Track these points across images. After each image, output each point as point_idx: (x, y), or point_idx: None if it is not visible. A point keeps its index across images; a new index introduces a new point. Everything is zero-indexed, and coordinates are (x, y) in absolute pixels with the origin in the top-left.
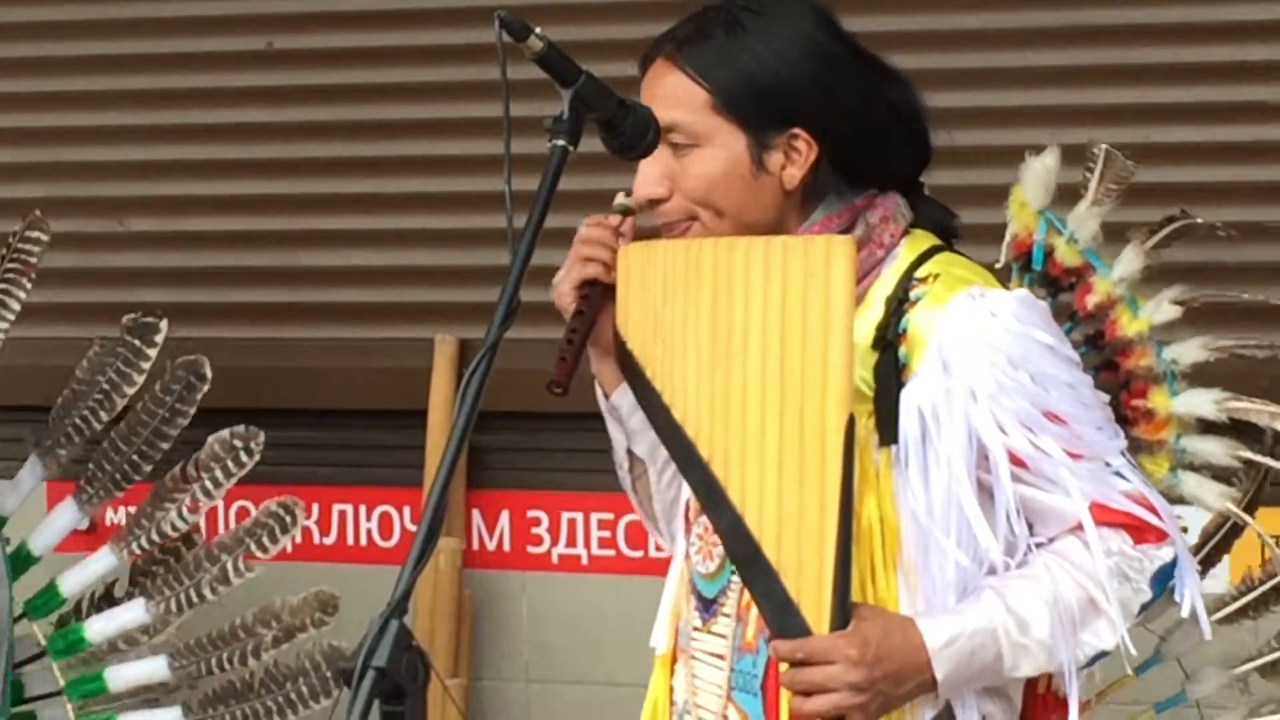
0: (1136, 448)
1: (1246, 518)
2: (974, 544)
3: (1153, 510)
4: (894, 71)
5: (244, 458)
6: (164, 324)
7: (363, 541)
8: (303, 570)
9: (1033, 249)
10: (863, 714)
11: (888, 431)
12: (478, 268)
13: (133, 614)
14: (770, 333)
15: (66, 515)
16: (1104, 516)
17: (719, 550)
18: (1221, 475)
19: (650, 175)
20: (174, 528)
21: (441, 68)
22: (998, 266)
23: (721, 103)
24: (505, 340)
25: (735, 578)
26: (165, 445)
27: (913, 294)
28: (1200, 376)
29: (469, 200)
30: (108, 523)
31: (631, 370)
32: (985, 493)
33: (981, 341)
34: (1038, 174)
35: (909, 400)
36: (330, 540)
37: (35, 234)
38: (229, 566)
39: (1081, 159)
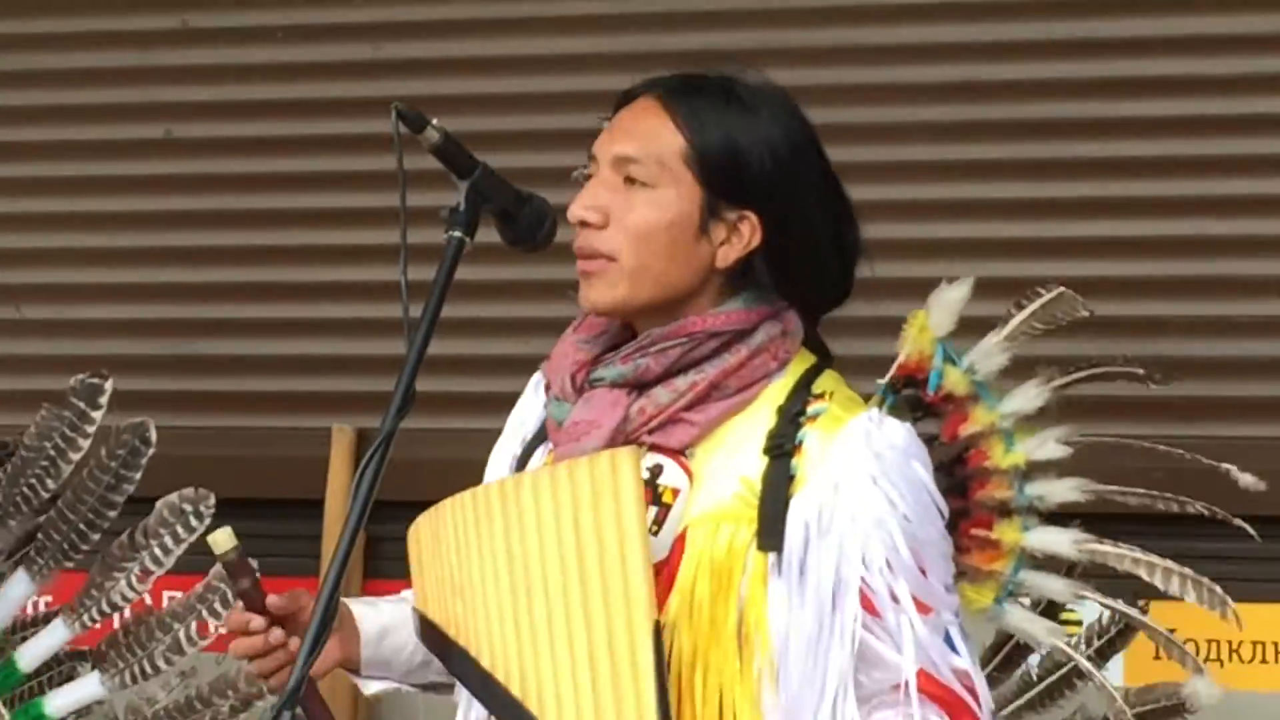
0: (962, 574)
1: (1081, 660)
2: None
3: (974, 693)
4: (852, 208)
5: (194, 521)
6: (109, 384)
7: None
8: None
9: (922, 374)
10: None
11: (769, 538)
12: (375, 357)
13: (89, 688)
14: (567, 558)
15: (19, 588)
16: (927, 686)
17: None
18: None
19: (592, 200)
20: (124, 598)
21: (339, 157)
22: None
23: (694, 156)
24: (402, 430)
25: None
26: (112, 513)
27: (810, 409)
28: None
29: (366, 290)
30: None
31: (437, 640)
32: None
33: (873, 469)
34: (947, 303)
35: (796, 512)
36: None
37: None
38: (182, 635)
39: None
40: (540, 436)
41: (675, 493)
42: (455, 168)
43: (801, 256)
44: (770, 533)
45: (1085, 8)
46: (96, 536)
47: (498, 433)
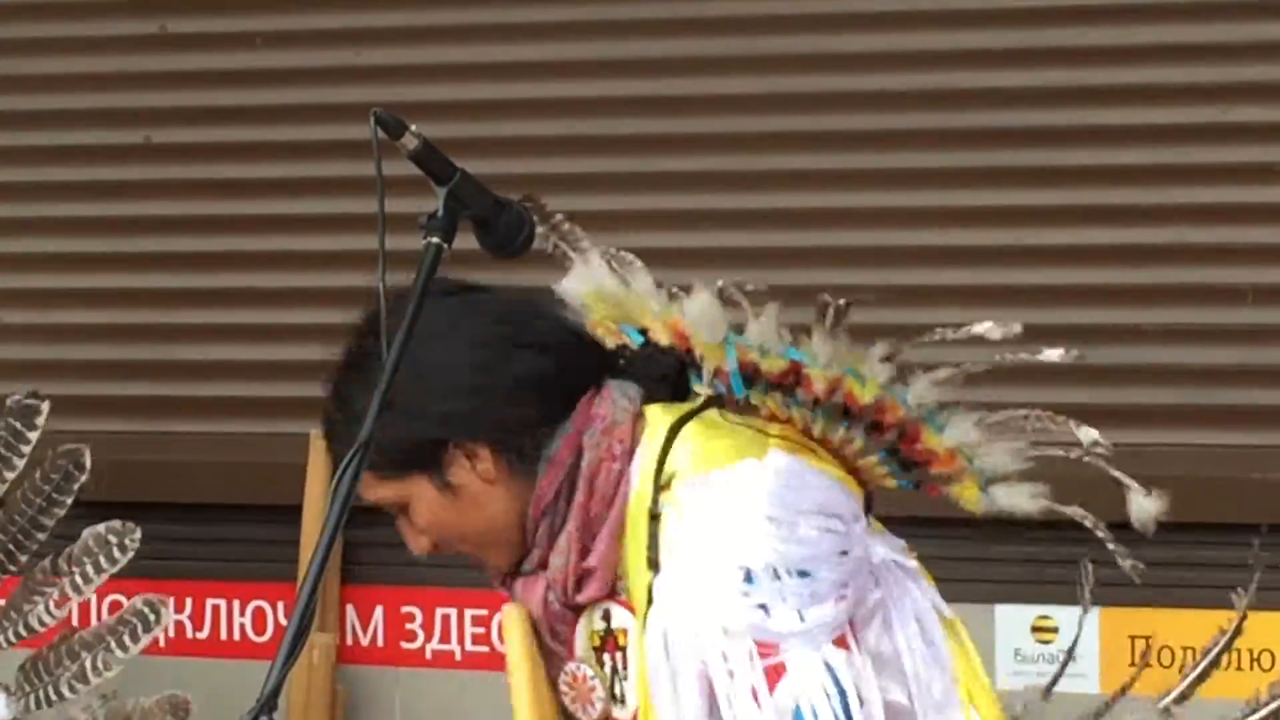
0: (945, 480)
1: (1064, 508)
2: None
3: None
4: (526, 299)
5: (117, 554)
6: (45, 406)
7: (236, 636)
8: (175, 665)
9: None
10: None
11: None
12: None
13: None
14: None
15: None
16: None
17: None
18: None
19: (409, 535)
20: (41, 622)
21: (317, 162)
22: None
23: (381, 475)
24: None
25: None
26: (42, 535)
27: (660, 507)
28: None
29: (345, 295)
30: None
31: None
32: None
33: (690, 549)
34: (701, 312)
35: (652, 624)
36: (204, 635)
37: None
38: (88, 665)
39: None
40: None
41: (625, 633)
42: (434, 174)
43: (522, 405)
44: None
45: (1067, 16)
46: (24, 559)
47: None
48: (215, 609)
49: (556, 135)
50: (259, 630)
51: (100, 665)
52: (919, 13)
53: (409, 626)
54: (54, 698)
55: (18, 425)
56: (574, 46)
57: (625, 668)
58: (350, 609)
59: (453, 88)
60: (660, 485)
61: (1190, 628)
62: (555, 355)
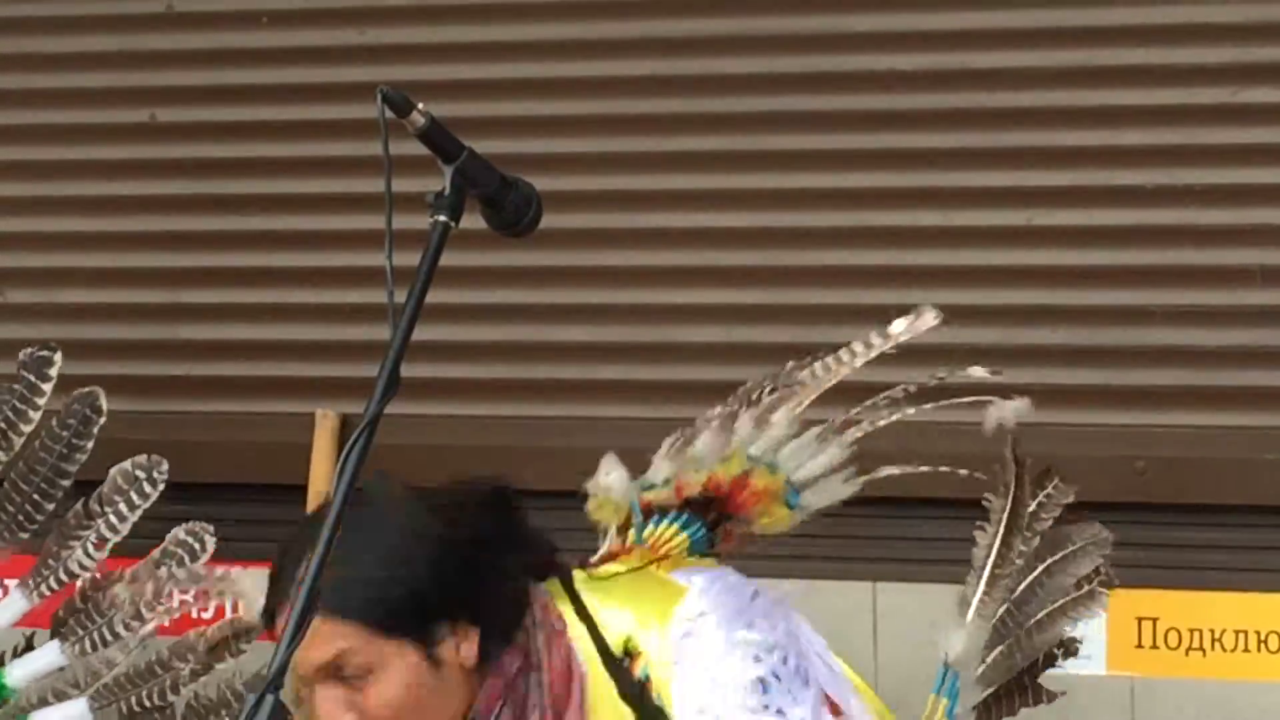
0: (748, 522)
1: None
2: None
3: None
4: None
5: (147, 488)
6: (58, 356)
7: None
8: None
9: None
10: None
11: None
12: (360, 342)
13: (48, 656)
14: None
15: None
16: None
17: None
18: None
19: (335, 714)
20: (81, 566)
21: (323, 142)
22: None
23: (370, 628)
24: (386, 415)
25: None
26: (66, 482)
27: (640, 673)
28: None
29: (351, 274)
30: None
31: None
32: None
33: (709, 679)
34: (606, 495)
35: None
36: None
37: None
38: (141, 602)
39: None
40: None
41: None
42: (441, 152)
43: (505, 596)
44: None
45: None
46: (50, 506)
47: (481, 418)
48: None
49: (564, 114)
50: None
51: (154, 602)
52: None
53: None
54: (109, 638)
55: (31, 377)
56: (581, 25)
57: None
58: None
59: (459, 67)
60: (624, 657)
61: (1197, 609)
62: (518, 553)
